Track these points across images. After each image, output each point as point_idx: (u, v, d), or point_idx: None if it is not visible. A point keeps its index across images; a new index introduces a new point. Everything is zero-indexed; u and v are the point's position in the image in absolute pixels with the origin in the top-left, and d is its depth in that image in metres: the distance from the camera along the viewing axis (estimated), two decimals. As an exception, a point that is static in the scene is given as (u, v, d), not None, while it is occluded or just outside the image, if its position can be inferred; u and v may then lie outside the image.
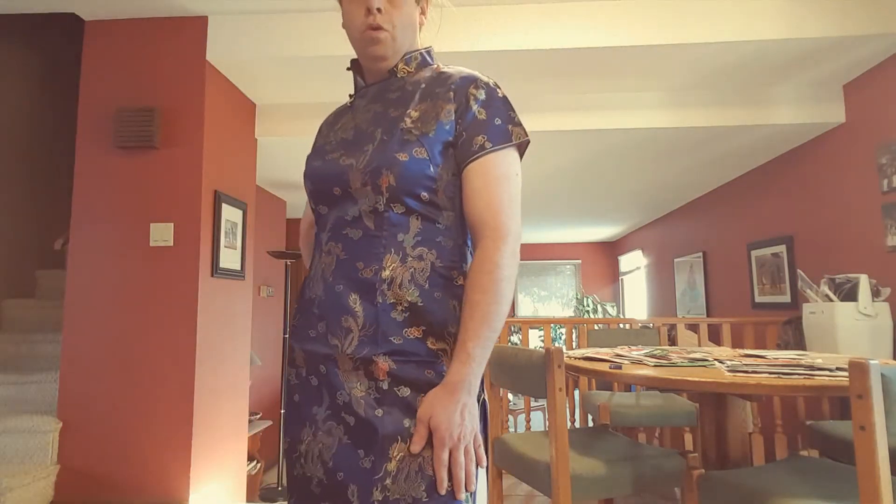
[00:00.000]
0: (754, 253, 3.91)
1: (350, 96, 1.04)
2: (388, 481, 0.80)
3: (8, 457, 2.32)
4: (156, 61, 2.52)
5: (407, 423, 0.83)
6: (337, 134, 0.98)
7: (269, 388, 4.68)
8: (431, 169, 0.88)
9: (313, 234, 1.14)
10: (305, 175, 0.97)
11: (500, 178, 0.88)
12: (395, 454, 0.81)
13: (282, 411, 3.72)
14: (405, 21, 0.94)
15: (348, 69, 1.04)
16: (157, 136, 2.44)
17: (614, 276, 8.49)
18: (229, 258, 2.68)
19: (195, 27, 2.51)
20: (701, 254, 4.95)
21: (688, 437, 3.18)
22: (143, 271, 2.41)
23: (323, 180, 0.93)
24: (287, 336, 3.76)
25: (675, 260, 5.66)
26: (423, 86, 0.95)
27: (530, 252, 8.53)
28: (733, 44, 2.39)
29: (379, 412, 0.83)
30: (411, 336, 0.85)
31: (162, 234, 2.42)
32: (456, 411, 0.82)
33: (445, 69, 0.98)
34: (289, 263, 3.90)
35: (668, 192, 4.89)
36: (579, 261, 8.52)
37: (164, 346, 2.37)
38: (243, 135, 2.92)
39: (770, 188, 3.73)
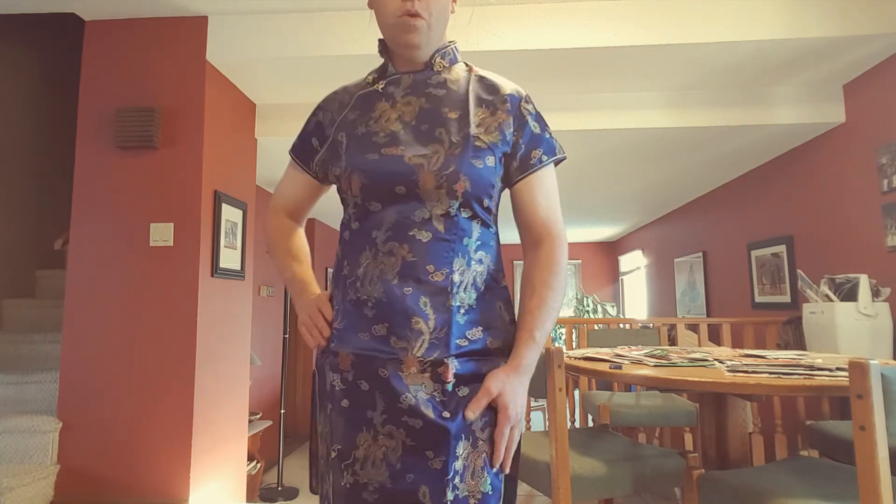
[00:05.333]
0: (754, 253, 3.91)
1: (373, 78, 1.00)
2: (457, 480, 0.84)
3: (8, 457, 2.32)
4: (156, 61, 2.52)
5: (469, 421, 0.86)
6: (380, 123, 0.94)
7: (269, 388, 4.68)
8: (495, 178, 0.92)
9: (294, 227, 1.10)
10: (356, 167, 0.91)
11: (552, 189, 0.98)
12: (461, 453, 0.85)
13: (282, 414, 3.72)
14: (440, 10, 0.93)
15: (379, 52, 1.01)
16: (157, 136, 2.44)
17: (614, 276, 8.49)
18: (229, 258, 2.68)
19: (195, 27, 2.51)
20: (701, 254, 4.95)
21: (688, 437, 3.18)
22: (143, 271, 2.41)
23: (384, 177, 0.89)
24: (286, 338, 3.76)
25: (675, 260, 5.66)
26: (472, 89, 0.96)
27: (530, 252, 8.51)
28: (733, 44, 2.39)
29: (447, 414, 0.85)
30: (473, 337, 0.89)
31: (162, 234, 2.42)
32: (523, 392, 0.89)
33: (483, 74, 1.00)
34: (289, 263, 3.89)
35: (668, 192, 4.89)
36: (579, 261, 8.52)
37: (164, 346, 2.37)
38: (243, 135, 2.92)
39: (770, 188, 3.73)
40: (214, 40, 2.51)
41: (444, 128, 0.91)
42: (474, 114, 0.93)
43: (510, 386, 0.87)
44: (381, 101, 0.97)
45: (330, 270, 5.73)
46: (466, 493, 0.83)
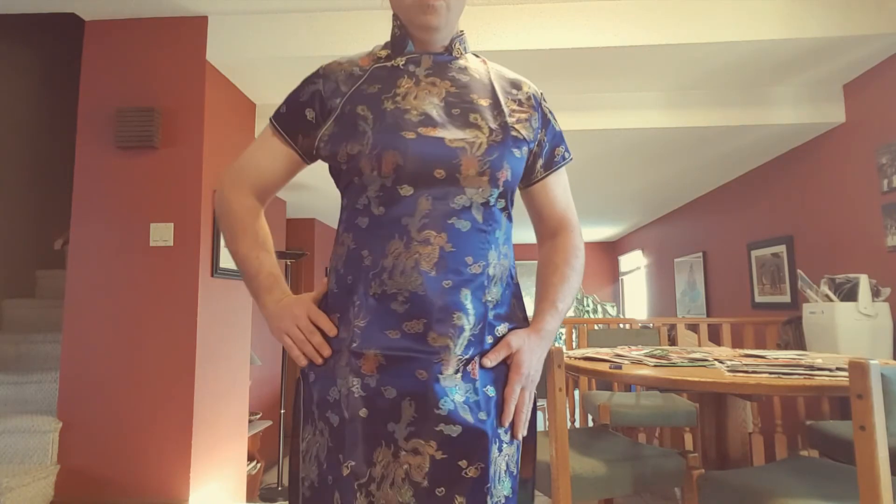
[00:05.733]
0: (754, 253, 3.91)
1: (387, 53, 0.93)
2: (492, 486, 0.80)
3: (8, 457, 2.32)
4: (156, 61, 2.52)
5: (486, 367, 0.84)
6: (408, 101, 0.87)
7: (269, 388, 4.68)
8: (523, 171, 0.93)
9: (261, 210, 0.97)
10: (389, 146, 0.82)
11: (567, 184, 1.02)
12: (494, 457, 0.81)
13: (282, 414, 3.72)
14: None
15: (397, 27, 0.93)
16: (157, 136, 2.44)
17: (614, 276, 8.48)
18: (229, 258, 2.68)
19: (195, 27, 2.51)
20: (701, 254, 4.95)
21: (688, 437, 3.18)
22: (143, 271, 2.40)
23: (423, 158, 0.82)
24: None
25: (675, 260, 5.66)
26: (494, 80, 0.95)
27: (530, 252, 8.53)
28: (733, 44, 2.39)
29: (483, 416, 0.80)
30: (500, 334, 0.86)
31: (162, 234, 2.42)
32: (540, 357, 0.88)
33: (497, 67, 0.99)
34: (289, 263, 3.90)
35: (668, 192, 4.89)
36: (579, 261, 8.52)
37: (164, 346, 2.36)
38: (243, 135, 2.92)
39: (770, 188, 3.73)
40: (214, 40, 2.51)
41: (478, 114, 0.87)
42: (505, 104, 0.91)
43: (528, 345, 0.86)
44: (404, 77, 0.90)
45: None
46: (497, 500, 0.81)
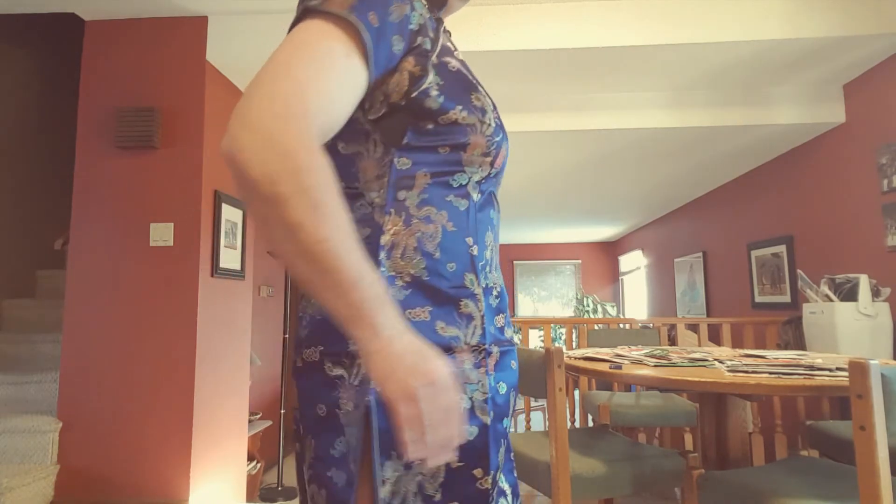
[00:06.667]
0: (754, 253, 3.91)
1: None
2: None
3: (8, 457, 2.32)
4: (156, 61, 2.52)
5: None
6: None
7: (269, 388, 4.67)
8: None
9: None
10: (505, 137, 0.76)
11: None
12: None
13: (282, 414, 3.72)
14: None
15: None
16: (157, 136, 2.44)
17: (614, 276, 8.49)
18: (229, 258, 2.68)
19: (195, 27, 2.51)
20: (701, 254, 4.95)
21: (688, 437, 3.18)
22: (143, 271, 2.40)
23: (506, 159, 0.79)
24: (286, 338, 3.75)
25: (675, 260, 5.66)
26: None
27: (530, 252, 8.53)
28: (733, 44, 2.39)
29: None
30: None
31: (162, 234, 2.42)
32: None
33: None
34: (289, 263, 3.89)
35: (668, 192, 4.89)
36: (579, 261, 8.52)
37: (164, 345, 2.36)
38: (243, 135, 2.91)
39: (770, 188, 3.73)
40: (214, 40, 2.51)
41: None
42: None
43: None
44: (452, 45, 0.76)
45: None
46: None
